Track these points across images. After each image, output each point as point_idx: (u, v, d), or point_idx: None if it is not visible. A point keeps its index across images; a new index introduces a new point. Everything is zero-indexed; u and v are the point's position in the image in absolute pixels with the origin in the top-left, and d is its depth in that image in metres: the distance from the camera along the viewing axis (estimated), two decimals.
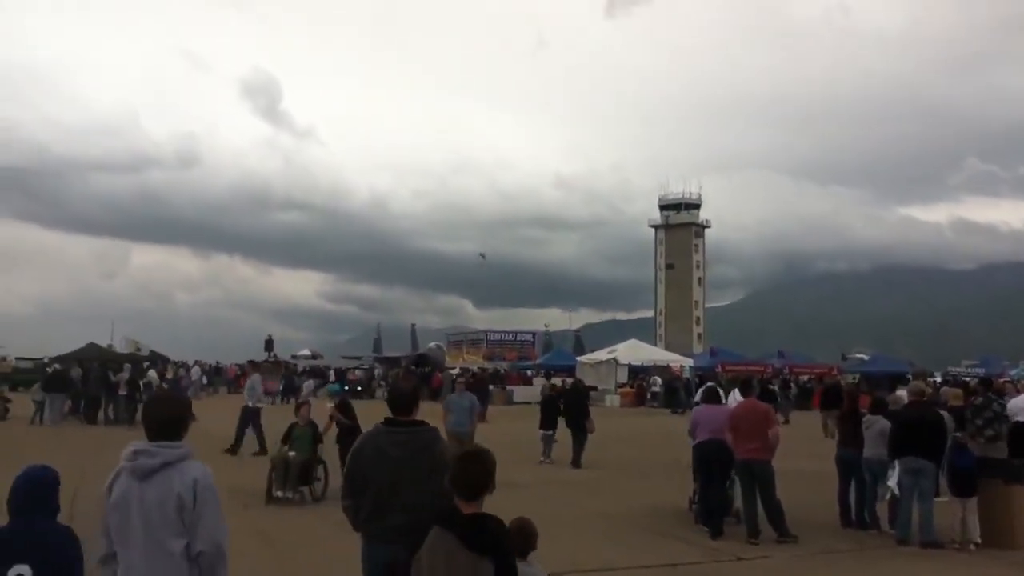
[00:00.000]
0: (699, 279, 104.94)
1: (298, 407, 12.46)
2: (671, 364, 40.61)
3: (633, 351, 40.58)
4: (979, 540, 8.75)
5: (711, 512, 9.45)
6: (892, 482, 9.23)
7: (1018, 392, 15.19)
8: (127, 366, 25.68)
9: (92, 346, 36.82)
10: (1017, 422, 11.13)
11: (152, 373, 27.40)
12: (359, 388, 38.53)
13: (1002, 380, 22.98)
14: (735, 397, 12.66)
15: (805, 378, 41.37)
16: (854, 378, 38.81)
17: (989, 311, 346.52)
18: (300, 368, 47.10)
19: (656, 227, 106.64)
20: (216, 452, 14.81)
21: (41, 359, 38.93)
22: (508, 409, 31.66)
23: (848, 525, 9.88)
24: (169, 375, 36.04)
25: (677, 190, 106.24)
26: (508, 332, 62.39)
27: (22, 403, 23.85)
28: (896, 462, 9.12)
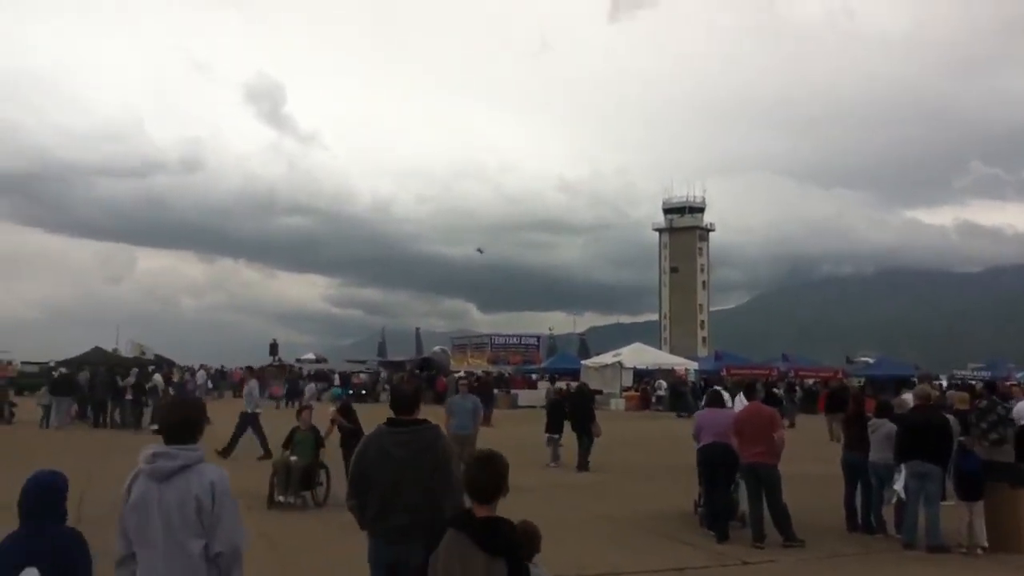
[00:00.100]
0: (703, 282, 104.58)
1: (300, 411, 12.47)
2: (676, 367, 40.61)
3: (638, 355, 40.68)
4: (986, 544, 8.71)
5: (716, 516, 9.43)
6: (898, 486, 9.22)
7: None
8: (134, 370, 25.73)
9: (97, 350, 36.95)
10: (1023, 426, 11.11)
11: (157, 377, 27.35)
12: (363, 392, 38.57)
13: (1008, 383, 22.84)
14: (740, 401, 12.64)
15: (810, 381, 41.15)
16: (859, 381, 38.69)
17: (995, 314, 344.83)
18: (305, 372, 47.13)
19: (660, 230, 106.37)
20: (211, 454, 14.79)
21: (46, 363, 38.87)
22: (513, 413, 31.65)
23: (854, 529, 9.86)
24: (174, 379, 36.03)
25: (681, 193, 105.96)
26: (512, 336, 62.12)
27: (28, 407, 23.95)
28: (902, 466, 9.11)
